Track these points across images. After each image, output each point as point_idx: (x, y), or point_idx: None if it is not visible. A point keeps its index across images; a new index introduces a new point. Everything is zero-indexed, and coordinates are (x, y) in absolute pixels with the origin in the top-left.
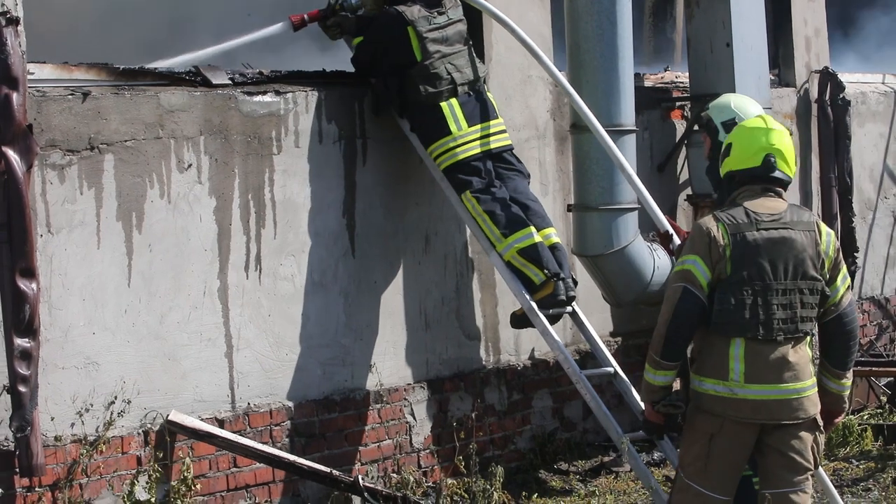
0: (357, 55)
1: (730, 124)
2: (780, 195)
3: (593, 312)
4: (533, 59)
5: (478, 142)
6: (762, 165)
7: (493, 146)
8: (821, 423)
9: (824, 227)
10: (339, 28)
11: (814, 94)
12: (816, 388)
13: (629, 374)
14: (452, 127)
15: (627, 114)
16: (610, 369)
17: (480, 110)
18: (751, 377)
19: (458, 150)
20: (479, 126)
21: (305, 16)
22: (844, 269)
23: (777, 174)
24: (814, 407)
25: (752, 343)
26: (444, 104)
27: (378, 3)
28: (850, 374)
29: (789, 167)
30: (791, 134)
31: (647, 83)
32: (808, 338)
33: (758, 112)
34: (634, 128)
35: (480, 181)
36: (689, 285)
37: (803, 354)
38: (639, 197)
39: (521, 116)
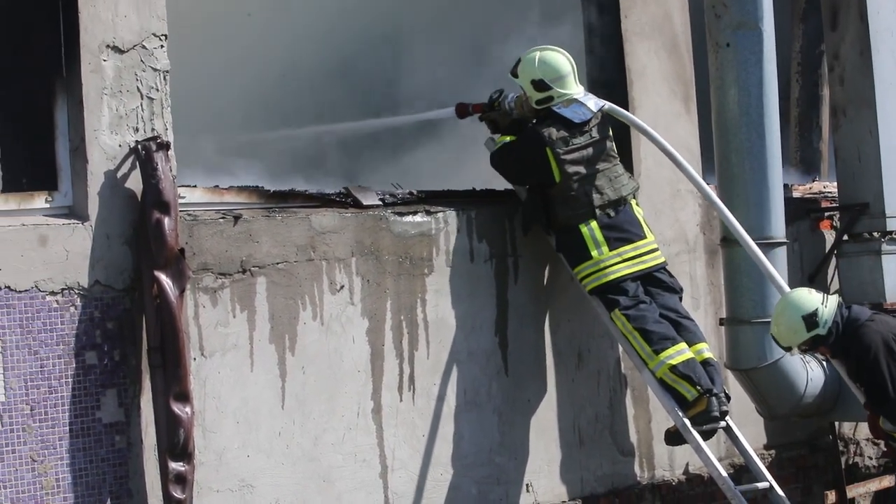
0: (497, 157)
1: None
2: None
3: (746, 425)
4: (682, 174)
5: (623, 264)
6: None
7: (640, 268)
8: None
9: None
10: (494, 124)
11: None
12: None
13: (784, 488)
14: (593, 252)
15: (778, 226)
16: (765, 483)
17: (624, 230)
18: None
19: (602, 273)
20: (623, 248)
21: (470, 106)
22: None
23: None
24: None
25: None
26: (583, 227)
27: (531, 112)
28: None
29: None
30: None
31: (796, 194)
32: None
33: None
34: (785, 240)
35: (629, 300)
36: None
37: None
38: None
39: (670, 231)
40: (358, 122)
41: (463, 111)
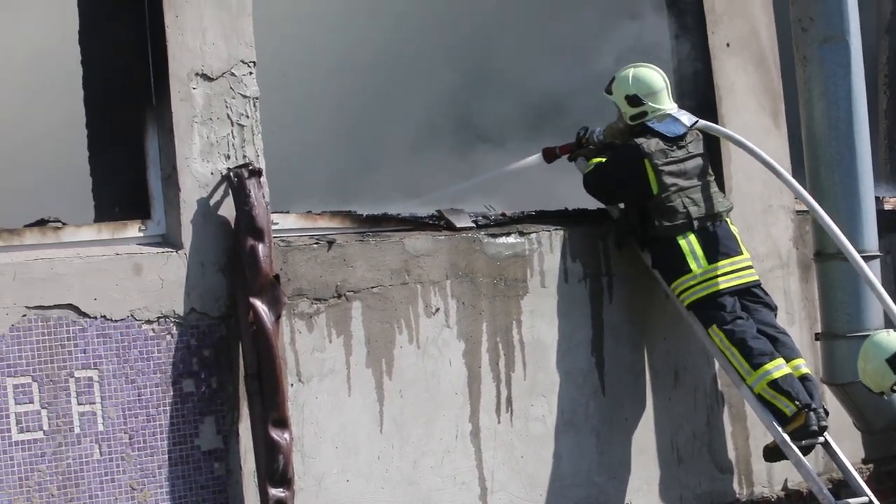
0: (591, 178)
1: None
2: None
3: (844, 439)
4: (773, 188)
5: (721, 278)
6: None
7: (737, 283)
8: None
9: None
10: (585, 160)
11: None
12: None
13: (883, 502)
14: (692, 265)
15: (870, 239)
16: (864, 498)
17: (722, 245)
18: None
19: (700, 287)
20: (721, 262)
21: (557, 149)
22: None
23: None
24: None
25: None
26: (681, 240)
27: (623, 136)
28: None
29: None
30: None
31: (887, 206)
32: None
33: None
34: (878, 252)
35: (727, 315)
36: None
37: None
38: (893, 320)
39: (763, 246)
40: (450, 188)
41: (550, 155)
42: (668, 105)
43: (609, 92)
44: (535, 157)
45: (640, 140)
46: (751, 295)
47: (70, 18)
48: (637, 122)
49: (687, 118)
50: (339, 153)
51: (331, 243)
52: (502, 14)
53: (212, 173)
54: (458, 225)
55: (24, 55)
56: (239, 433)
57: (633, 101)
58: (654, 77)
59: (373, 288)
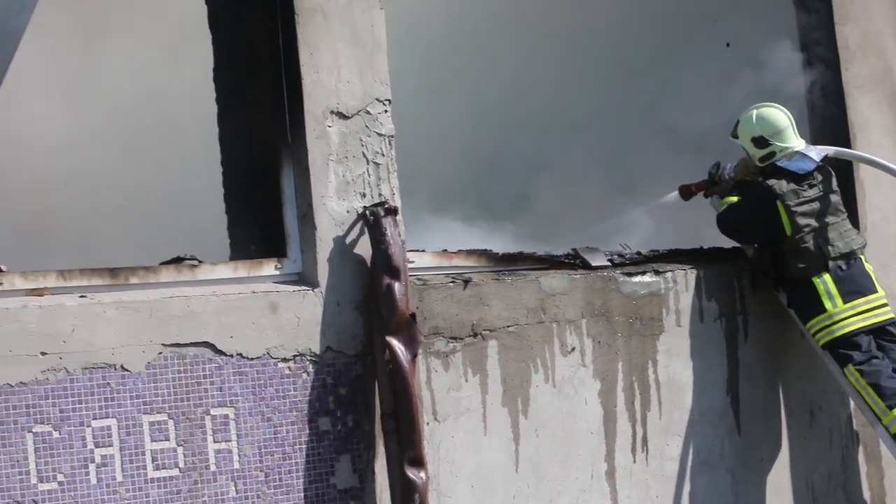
0: (725, 218)
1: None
2: None
3: None
4: None
5: (856, 317)
6: None
7: (873, 321)
8: None
9: None
10: (719, 198)
11: None
12: None
13: None
14: (827, 304)
15: None
16: None
17: (857, 284)
18: None
19: (836, 326)
20: (856, 301)
21: (692, 186)
22: None
23: None
24: None
25: None
26: (816, 280)
27: (754, 173)
28: None
29: None
30: None
31: None
32: None
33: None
34: None
35: (862, 354)
36: None
37: None
38: None
39: None
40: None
41: (687, 193)
42: (796, 142)
43: (735, 136)
44: (673, 196)
45: (771, 182)
46: (886, 334)
47: (205, 57)
48: (766, 163)
49: (816, 153)
50: (474, 190)
51: (467, 282)
52: (641, 56)
53: (347, 211)
54: (594, 263)
55: (162, 95)
56: (375, 472)
57: (760, 142)
58: (778, 116)
59: (508, 327)
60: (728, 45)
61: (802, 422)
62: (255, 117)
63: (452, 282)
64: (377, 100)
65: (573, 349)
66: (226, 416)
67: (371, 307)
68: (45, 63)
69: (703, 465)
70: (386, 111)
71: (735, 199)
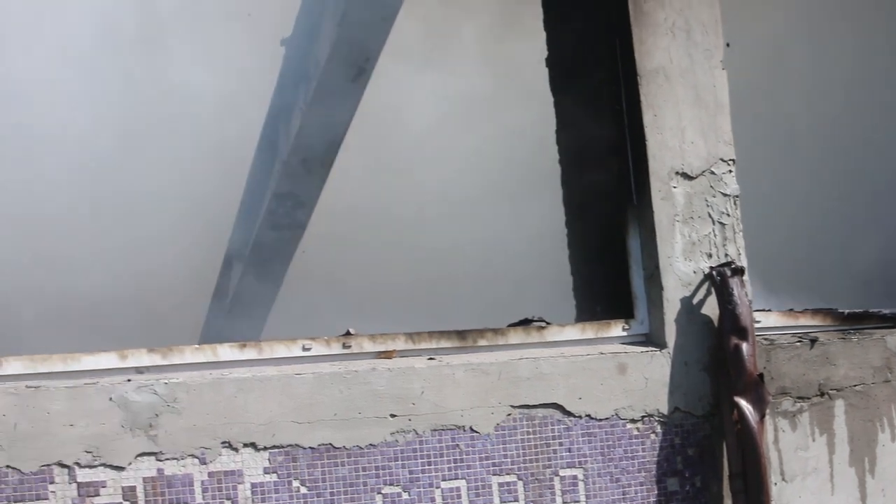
0: None
1: None
2: None
3: None
4: None
5: None
6: None
7: None
8: None
9: None
10: None
11: None
12: None
13: None
14: None
15: None
16: None
17: None
18: None
19: None
20: None
21: None
22: None
23: None
24: None
25: None
26: None
27: None
28: None
29: None
30: None
31: None
32: None
33: None
34: None
35: None
36: None
37: None
38: None
39: None
40: None
41: None
42: None
43: None
44: None
45: None
46: None
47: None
48: None
49: None
50: (816, 245)
51: (813, 341)
52: None
53: (694, 272)
54: None
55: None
56: None
57: None
58: None
59: (855, 386)
60: None
61: None
62: (598, 179)
63: (799, 341)
64: (721, 160)
65: None
66: (574, 477)
67: (718, 367)
68: None
69: None
70: (730, 171)
71: None
